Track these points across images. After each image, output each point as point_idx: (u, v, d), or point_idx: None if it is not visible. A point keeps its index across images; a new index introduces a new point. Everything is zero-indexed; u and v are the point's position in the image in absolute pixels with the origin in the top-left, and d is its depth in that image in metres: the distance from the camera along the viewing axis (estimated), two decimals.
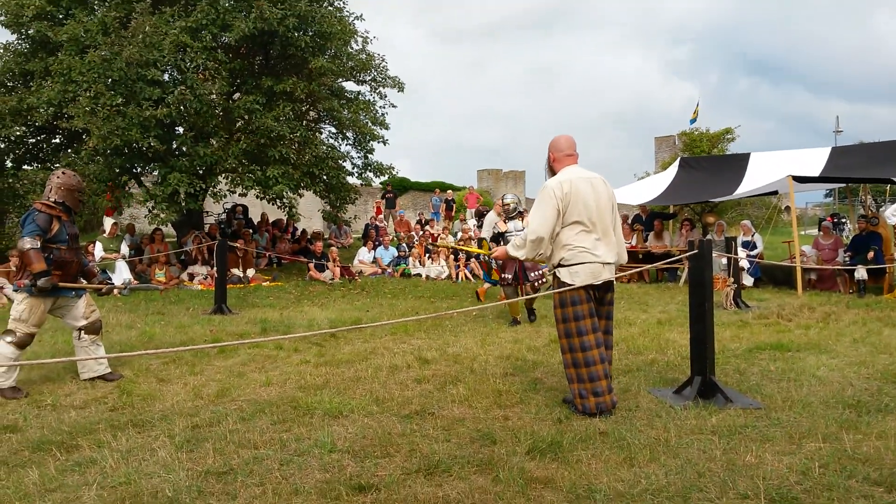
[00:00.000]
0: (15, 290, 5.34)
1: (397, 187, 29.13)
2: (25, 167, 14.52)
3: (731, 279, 9.68)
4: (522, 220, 8.26)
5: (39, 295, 5.16)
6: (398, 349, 6.66)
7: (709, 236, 13.13)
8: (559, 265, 4.39)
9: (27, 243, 5.08)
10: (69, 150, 13.77)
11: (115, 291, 10.77)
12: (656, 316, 8.78)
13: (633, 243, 14.41)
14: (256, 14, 12.35)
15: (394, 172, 16.04)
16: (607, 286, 4.49)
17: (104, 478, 3.35)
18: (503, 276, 8.29)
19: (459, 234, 17.35)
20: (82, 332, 5.50)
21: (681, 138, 31.64)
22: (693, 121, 28.99)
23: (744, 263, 11.50)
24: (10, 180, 14.07)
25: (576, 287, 4.29)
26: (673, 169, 15.46)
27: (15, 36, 13.85)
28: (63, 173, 5.46)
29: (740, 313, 8.91)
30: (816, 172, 12.30)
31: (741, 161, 14.18)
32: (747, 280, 11.81)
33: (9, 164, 14.30)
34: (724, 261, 10.43)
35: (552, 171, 4.61)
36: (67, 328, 5.77)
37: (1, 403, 4.77)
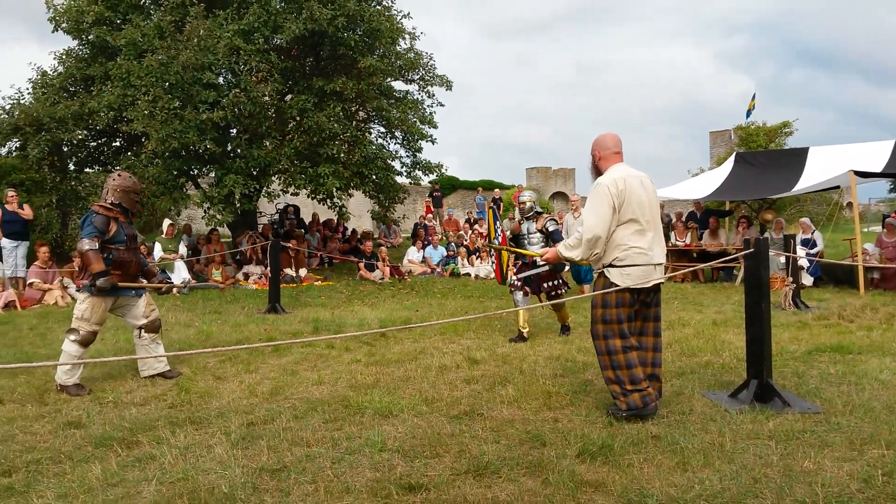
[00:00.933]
0: (77, 291, 5.55)
1: (445, 186, 29.19)
2: (87, 170, 15.08)
3: (790, 279, 9.39)
4: (537, 221, 7.51)
5: (100, 294, 5.35)
6: (447, 349, 6.69)
7: (766, 234, 12.77)
8: (610, 265, 4.26)
9: (86, 245, 5.27)
10: (129, 153, 14.23)
11: (175, 290, 11.12)
12: (711, 316, 8.59)
13: (688, 241, 14.11)
14: (307, 15, 12.53)
15: (442, 171, 16.09)
16: (656, 287, 4.40)
17: (163, 473, 3.46)
18: (513, 280, 7.46)
19: (509, 234, 17.28)
20: (142, 330, 5.68)
21: (736, 133, 30.83)
22: (749, 113, 28.26)
23: (803, 262, 11.14)
24: (73, 183, 14.63)
25: (623, 289, 4.20)
26: (728, 164, 15.07)
27: (76, 42, 14.38)
28: (119, 175, 5.62)
29: (799, 314, 8.64)
30: (880, 167, 11.81)
31: (800, 156, 13.72)
32: (807, 279, 11.44)
33: (71, 166, 14.87)
34: (783, 259, 10.13)
35: (597, 171, 4.50)
36: (128, 327, 5.97)
37: (65, 400, 4.97)
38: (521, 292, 7.29)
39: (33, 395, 5.07)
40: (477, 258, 15.05)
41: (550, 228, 7.41)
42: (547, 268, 7.18)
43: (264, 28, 12.83)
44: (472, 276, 14.60)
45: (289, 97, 13.93)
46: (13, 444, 3.94)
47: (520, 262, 7.54)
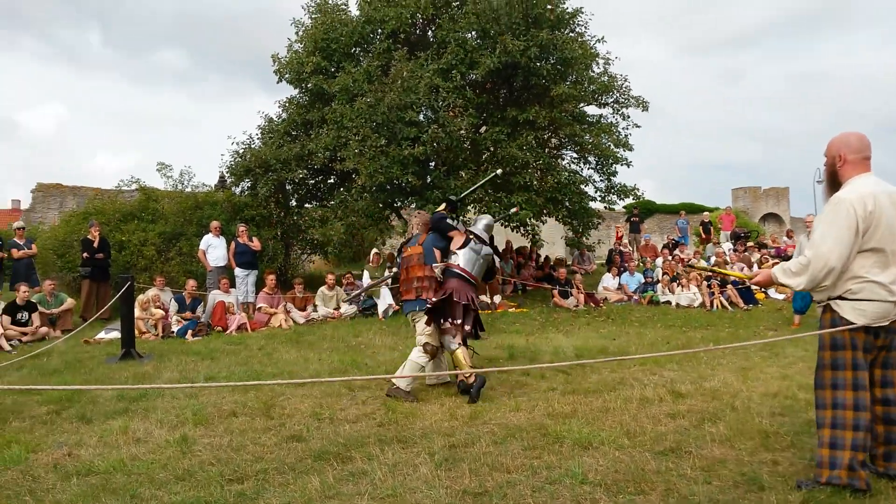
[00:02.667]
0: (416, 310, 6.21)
1: (641, 210, 28.24)
2: (307, 205, 16.64)
3: None
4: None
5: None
6: (648, 380, 6.39)
7: None
8: (840, 297, 3.51)
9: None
10: (342, 189, 15.49)
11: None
12: None
13: None
14: (501, 49, 12.90)
15: (638, 194, 15.59)
16: None
17: (374, 489, 3.66)
18: (451, 320, 5.93)
19: (713, 259, 16.27)
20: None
21: None
22: None
23: None
24: (295, 217, 16.22)
25: (858, 328, 3.44)
26: None
27: (297, 91, 16.03)
28: (418, 213, 6.60)
29: None
30: None
31: None
32: None
33: (293, 202, 16.50)
34: None
35: (835, 180, 3.64)
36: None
37: (289, 415, 5.43)
38: (450, 334, 6.02)
39: (261, 409, 5.61)
40: (678, 285, 14.31)
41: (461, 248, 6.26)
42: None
43: (461, 65, 13.41)
44: (673, 303, 13.90)
45: (483, 129, 14.37)
46: (244, 454, 4.38)
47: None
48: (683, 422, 4.89)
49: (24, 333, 9.92)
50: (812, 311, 10.29)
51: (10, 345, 9.35)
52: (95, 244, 12.19)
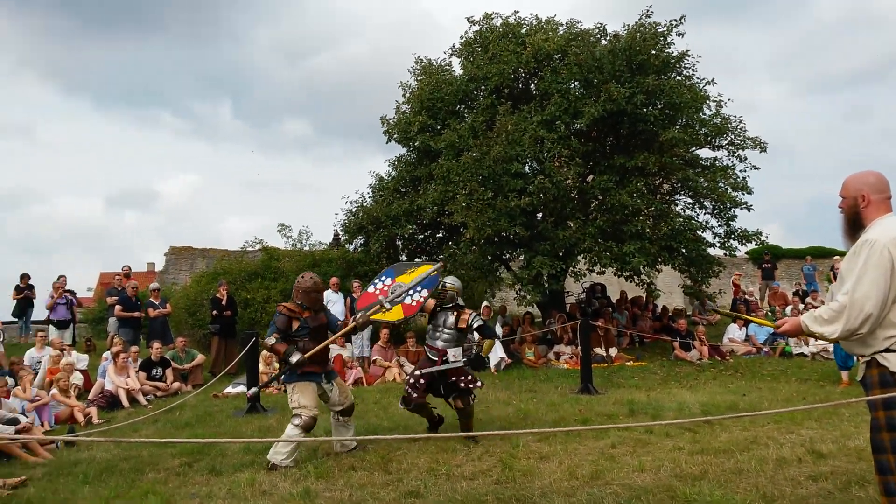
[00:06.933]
0: (285, 382, 6.17)
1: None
2: (416, 259, 16.94)
3: None
4: (458, 316, 6.70)
5: (302, 380, 5.95)
6: (785, 440, 5.92)
7: None
8: (887, 350, 3.22)
9: (268, 342, 6.02)
10: (450, 243, 15.69)
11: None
12: None
13: None
14: (605, 97, 12.82)
15: (762, 239, 14.78)
16: None
17: None
18: (411, 379, 6.79)
19: None
20: (339, 415, 6.31)
21: None
22: None
23: None
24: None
25: None
26: None
27: (405, 149, 16.56)
28: (302, 277, 6.27)
29: None
30: None
31: None
32: None
33: (403, 258, 16.85)
34: None
35: (856, 221, 3.45)
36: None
37: (406, 469, 5.41)
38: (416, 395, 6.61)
39: (379, 463, 5.64)
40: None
41: (476, 325, 6.74)
42: (459, 364, 6.60)
43: (565, 115, 13.43)
44: (809, 355, 12.92)
45: (590, 178, 14.20)
46: None
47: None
48: (827, 484, 4.49)
49: (158, 388, 10.56)
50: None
51: (146, 399, 9.98)
52: (223, 302, 12.90)
